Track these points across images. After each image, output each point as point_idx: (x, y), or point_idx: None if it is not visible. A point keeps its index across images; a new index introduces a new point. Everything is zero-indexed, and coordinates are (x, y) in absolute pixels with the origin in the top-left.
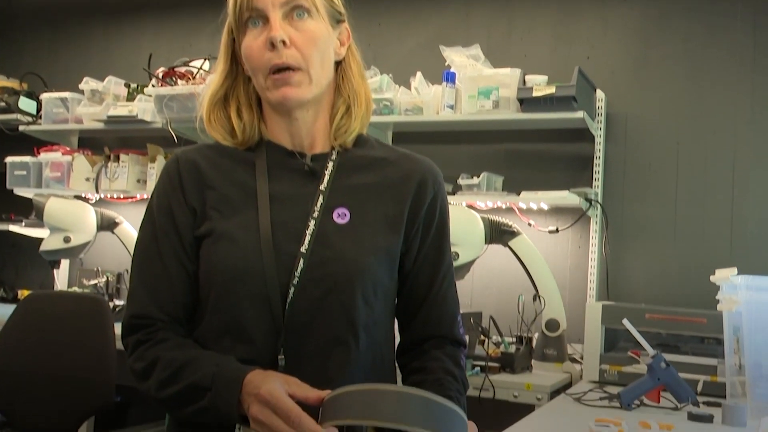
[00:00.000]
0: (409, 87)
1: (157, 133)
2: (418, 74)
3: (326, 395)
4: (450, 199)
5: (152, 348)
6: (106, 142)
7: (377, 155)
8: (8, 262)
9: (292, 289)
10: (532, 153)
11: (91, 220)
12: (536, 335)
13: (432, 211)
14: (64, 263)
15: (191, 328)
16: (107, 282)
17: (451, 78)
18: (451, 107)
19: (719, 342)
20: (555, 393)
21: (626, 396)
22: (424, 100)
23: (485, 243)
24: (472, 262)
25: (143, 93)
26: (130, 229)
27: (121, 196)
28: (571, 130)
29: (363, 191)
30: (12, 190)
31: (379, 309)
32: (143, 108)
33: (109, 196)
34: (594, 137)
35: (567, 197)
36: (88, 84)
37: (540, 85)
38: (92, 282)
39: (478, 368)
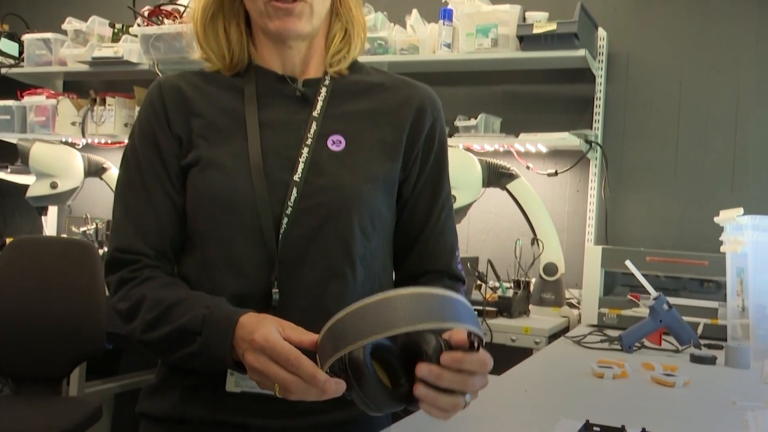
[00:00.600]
0: (404, 25)
1: (144, 75)
2: (414, 12)
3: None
4: None
5: (137, 287)
6: (92, 85)
7: (373, 81)
8: None
9: (285, 220)
10: (530, 95)
11: (78, 165)
12: (533, 280)
13: (431, 138)
14: (52, 210)
15: (179, 265)
16: (96, 229)
17: (448, 15)
18: (448, 46)
19: (719, 286)
20: (553, 337)
21: (627, 338)
22: (419, 39)
23: (482, 186)
24: (469, 206)
25: (129, 33)
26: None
27: (109, 141)
28: (571, 70)
29: (359, 117)
30: None
31: (376, 241)
32: (129, 49)
33: (96, 141)
34: (594, 77)
35: (567, 139)
36: (71, 24)
37: (540, 22)
38: (81, 229)
39: (475, 313)
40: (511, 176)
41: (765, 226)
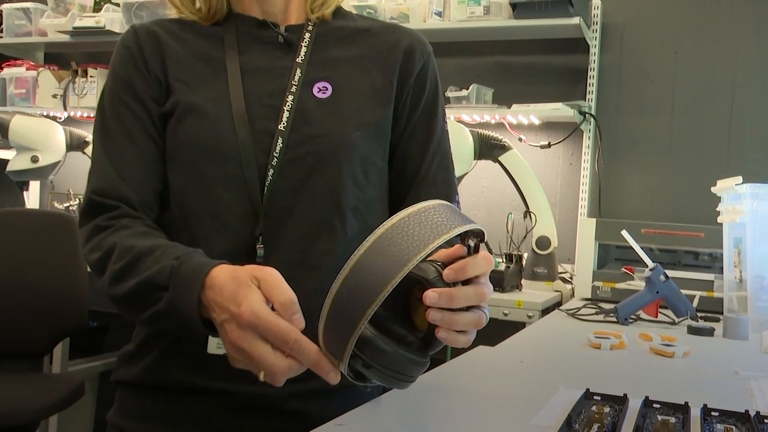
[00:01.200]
0: None
1: None
2: None
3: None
4: None
5: (111, 236)
6: (74, 57)
7: (360, 26)
8: None
9: (270, 171)
10: (523, 66)
11: (60, 138)
12: (526, 254)
13: (422, 80)
14: (34, 186)
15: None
16: (80, 205)
17: None
18: (439, 14)
19: (714, 258)
20: (546, 311)
21: (623, 310)
22: (409, 7)
23: (474, 158)
24: (460, 178)
25: (111, 2)
26: None
27: (91, 114)
28: (565, 40)
29: (345, 63)
30: None
31: (372, 193)
32: (111, 18)
33: (78, 114)
34: (588, 47)
35: (560, 109)
36: None
37: None
38: (64, 205)
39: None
40: (504, 148)
41: (764, 195)
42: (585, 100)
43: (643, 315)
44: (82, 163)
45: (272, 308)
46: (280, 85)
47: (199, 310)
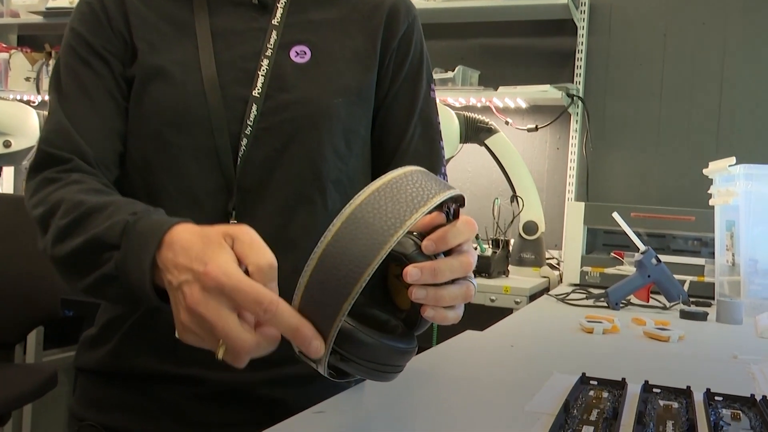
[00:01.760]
0: None
1: None
2: None
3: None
4: None
5: (60, 190)
6: (47, 39)
7: None
8: None
9: (244, 140)
10: (509, 48)
11: (34, 123)
12: (512, 240)
13: (406, 43)
14: (8, 172)
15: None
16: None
17: None
18: None
19: (705, 243)
20: (534, 297)
21: (614, 294)
22: None
23: (460, 142)
24: (446, 162)
25: None
26: None
27: None
28: (552, 21)
29: (325, 26)
30: None
31: (354, 164)
32: None
33: None
34: (576, 29)
35: (548, 92)
36: None
37: None
38: None
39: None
40: (490, 131)
41: (758, 176)
42: (573, 83)
43: (634, 300)
44: None
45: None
46: (254, 48)
47: (151, 274)
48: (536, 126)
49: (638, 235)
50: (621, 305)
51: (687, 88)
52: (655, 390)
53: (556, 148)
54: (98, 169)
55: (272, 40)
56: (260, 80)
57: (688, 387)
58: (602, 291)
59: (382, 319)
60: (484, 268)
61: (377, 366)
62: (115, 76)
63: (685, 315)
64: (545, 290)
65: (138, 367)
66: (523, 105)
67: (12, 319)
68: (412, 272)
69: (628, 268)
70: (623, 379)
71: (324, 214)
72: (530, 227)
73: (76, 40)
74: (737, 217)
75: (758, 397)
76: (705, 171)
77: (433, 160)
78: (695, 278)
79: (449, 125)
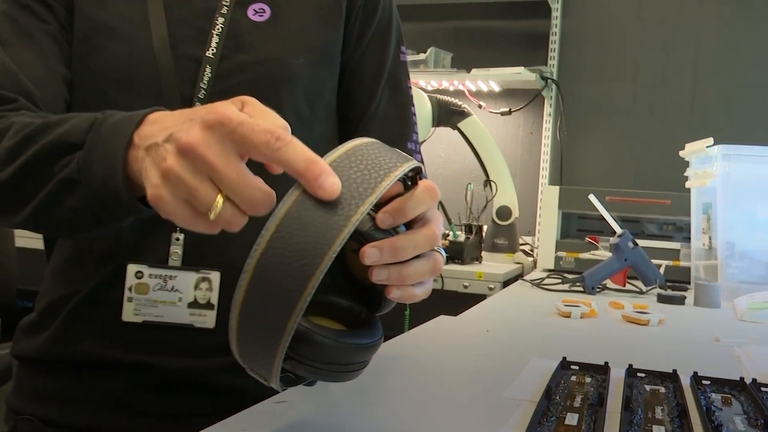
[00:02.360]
0: None
1: None
2: None
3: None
4: None
5: (5, 120)
6: None
7: None
8: None
9: (197, 104)
10: (483, 30)
11: None
12: (485, 226)
13: (373, 1)
14: None
15: None
16: None
17: None
18: None
19: (679, 228)
20: (507, 283)
21: (590, 278)
22: None
23: (432, 125)
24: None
25: None
26: None
27: None
28: (526, 3)
29: None
30: None
31: (319, 130)
32: None
33: None
34: (550, 11)
35: (522, 74)
36: None
37: None
38: None
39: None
40: (463, 114)
41: (736, 156)
42: (546, 66)
43: (610, 284)
44: None
45: None
46: (208, 5)
47: (124, 158)
48: (510, 110)
49: (613, 219)
50: (597, 290)
51: (661, 71)
52: (639, 374)
53: (529, 132)
54: (45, 111)
55: None
56: (215, 39)
57: (675, 371)
58: (578, 275)
59: (343, 306)
60: (457, 254)
61: (339, 367)
62: (60, 21)
63: (662, 299)
64: (519, 276)
65: (80, 354)
66: (496, 89)
67: None
68: (369, 253)
69: (603, 253)
70: (606, 363)
71: (285, 185)
72: (504, 212)
73: None
74: (714, 199)
75: (748, 380)
76: (681, 153)
77: (403, 127)
78: (670, 263)
79: (421, 108)
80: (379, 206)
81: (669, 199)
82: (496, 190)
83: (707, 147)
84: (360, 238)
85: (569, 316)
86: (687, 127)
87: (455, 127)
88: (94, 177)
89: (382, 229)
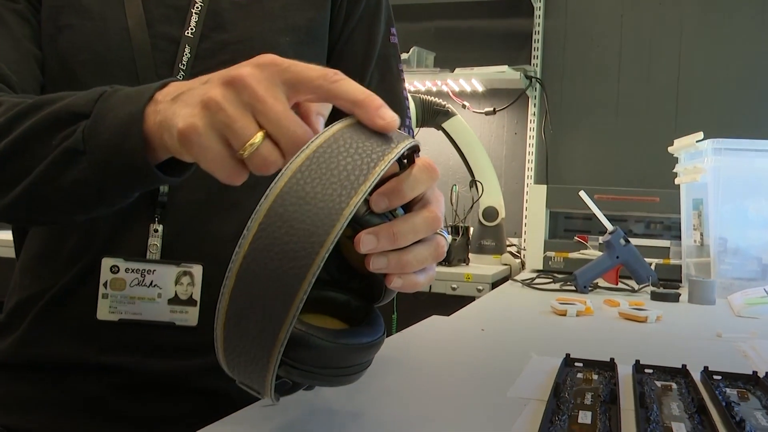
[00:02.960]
0: None
1: None
2: None
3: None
4: None
5: None
6: None
7: None
8: None
9: None
10: (465, 30)
11: None
12: (472, 228)
13: None
14: None
15: None
16: None
17: None
18: None
19: (667, 227)
20: (495, 285)
21: (582, 277)
22: None
23: (416, 126)
24: None
25: None
26: None
27: None
28: (508, 2)
29: None
30: None
31: None
32: None
33: None
34: (533, 10)
35: (506, 73)
36: None
37: None
38: None
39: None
40: (447, 113)
41: (727, 150)
42: (530, 65)
43: (602, 283)
44: None
45: None
46: None
47: (141, 115)
48: (494, 109)
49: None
50: (589, 289)
51: (645, 68)
52: (647, 370)
53: (514, 132)
54: (22, 94)
55: None
56: (194, 18)
57: (684, 366)
58: (569, 274)
59: (340, 301)
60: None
61: (338, 371)
62: (33, 4)
63: (656, 296)
64: (507, 278)
65: (51, 355)
66: (480, 88)
67: None
68: (365, 240)
69: (593, 252)
70: (612, 360)
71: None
72: (490, 213)
73: None
74: (705, 195)
75: (761, 375)
76: (670, 149)
77: (395, 111)
78: (661, 261)
79: None
80: (374, 188)
81: (658, 196)
82: (482, 191)
83: (697, 141)
84: (354, 224)
85: (565, 314)
86: (672, 123)
87: (439, 128)
88: (103, 144)
89: (379, 215)
